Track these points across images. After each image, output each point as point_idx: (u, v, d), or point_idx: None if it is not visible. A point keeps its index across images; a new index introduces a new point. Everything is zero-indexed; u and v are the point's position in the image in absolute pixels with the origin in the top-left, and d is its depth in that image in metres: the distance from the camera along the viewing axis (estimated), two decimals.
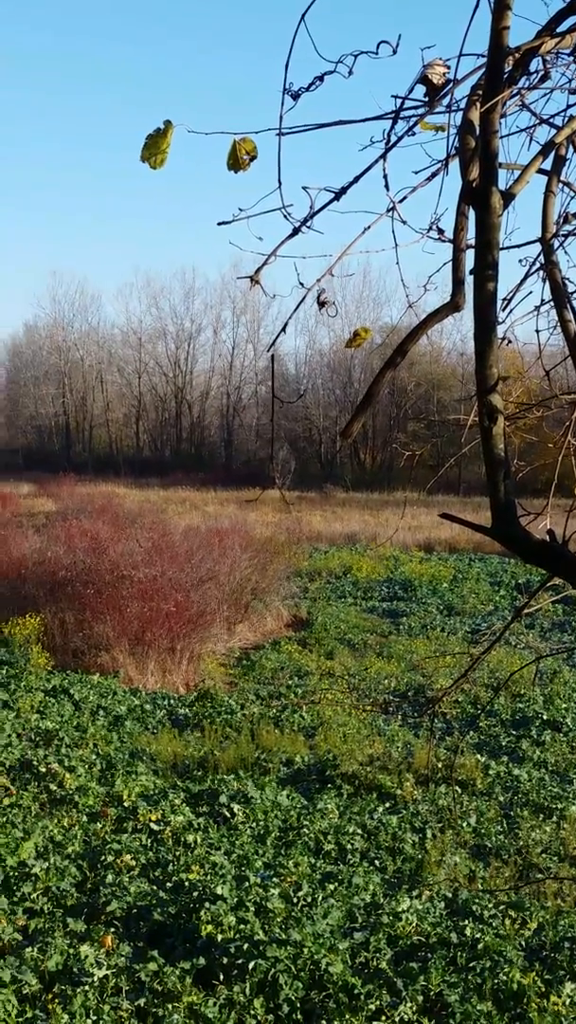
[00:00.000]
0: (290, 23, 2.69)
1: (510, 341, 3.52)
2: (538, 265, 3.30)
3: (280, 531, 42.15)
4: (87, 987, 8.97)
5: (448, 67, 2.88)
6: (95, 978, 9.07)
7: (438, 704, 17.64)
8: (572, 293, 3.10)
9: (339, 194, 2.75)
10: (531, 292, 3.44)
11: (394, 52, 2.66)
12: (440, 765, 16.73)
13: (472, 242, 2.67)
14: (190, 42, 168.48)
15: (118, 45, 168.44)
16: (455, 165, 2.84)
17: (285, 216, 2.71)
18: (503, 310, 3.28)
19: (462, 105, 2.87)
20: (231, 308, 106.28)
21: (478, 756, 17.20)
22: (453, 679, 22.23)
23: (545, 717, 19.76)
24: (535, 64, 2.94)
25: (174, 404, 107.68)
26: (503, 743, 18.52)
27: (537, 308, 3.47)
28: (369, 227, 2.75)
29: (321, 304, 2.82)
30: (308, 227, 2.73)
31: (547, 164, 3.08)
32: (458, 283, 2.65)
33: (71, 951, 9.47)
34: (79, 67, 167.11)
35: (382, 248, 3.00)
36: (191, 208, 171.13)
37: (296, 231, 2.73)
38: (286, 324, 2.90)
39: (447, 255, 2.88)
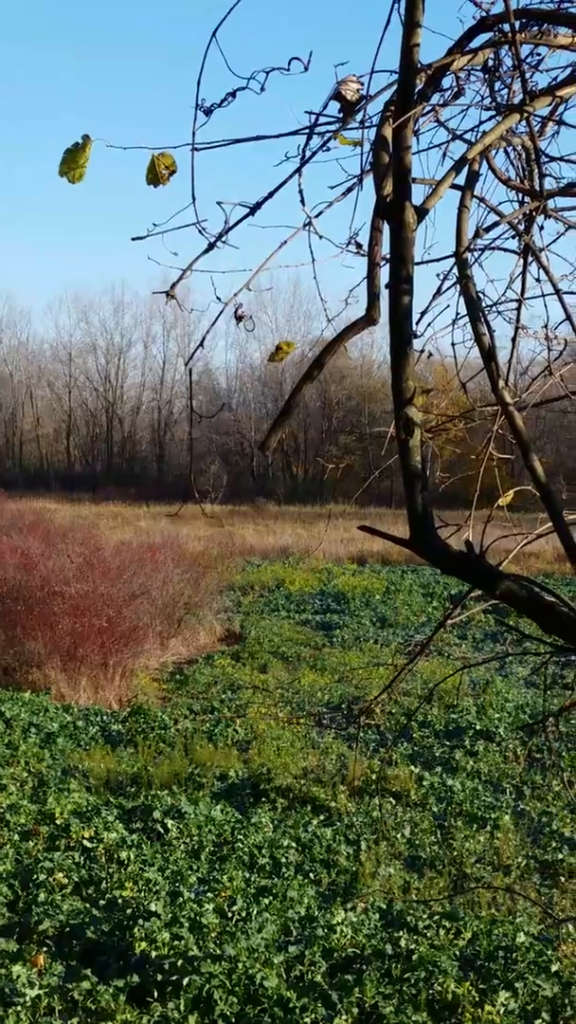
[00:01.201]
0: (203, 39, 2.71)
1: (431, 354, 3.55)
2: (453, 280, 3.34)
3: (213, 545, 42.09)
4: (19, 1007, 8.87)
5: (362, 84, 2.90)
6: (27, 998, 8.98)
7: (369, 715, 17.67)
8: (486, 307, 3.14)
9: (253, 209, 2.76)
10: (448, 306, 3.48)
11: (306, 68, 2.68)
12: (374, 777, 16.75)
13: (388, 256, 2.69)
14: (113, 55, 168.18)
15: (40, 56, 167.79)
16: (369, 180, 2.87)
17: (200, 231, 2.72)
18: (419, 323, 3.31)
19: (376, 121, 2.90)
20: (161, 322, 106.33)
21: (412, 767, 17.23)
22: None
23: (478, 727, 19.85)
24: (449, 81, 2.97)
25: (105, 419, 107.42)
26: (437, 754, 18.59)
27: (453, 322, 3.50)
28: (285, 242, 2.77)
29: (239, 319, 2.83)
30: (224, 242, 2.74)
31: (461, 179, 3.11)
32: (373, 297, 2.67)
33: (2, 971, 9.36)
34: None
35: (302, 263, 3.02)
36: (118, 221, 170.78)
37: (211, 246, 2.74)
38: (203, 340, 2.93)
39: (366, 269, 2.90)
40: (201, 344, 2.99)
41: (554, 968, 10.14)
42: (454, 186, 3.03)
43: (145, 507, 70.93)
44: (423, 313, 3.46)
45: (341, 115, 2.89)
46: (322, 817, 15.12)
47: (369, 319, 2.66)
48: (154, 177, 2.89)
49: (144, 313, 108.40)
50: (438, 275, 3.35)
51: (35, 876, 11.86)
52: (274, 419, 2.67)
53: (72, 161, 2.94)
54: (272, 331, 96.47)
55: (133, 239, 2.76)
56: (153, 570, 29.14)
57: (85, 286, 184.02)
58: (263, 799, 15.81)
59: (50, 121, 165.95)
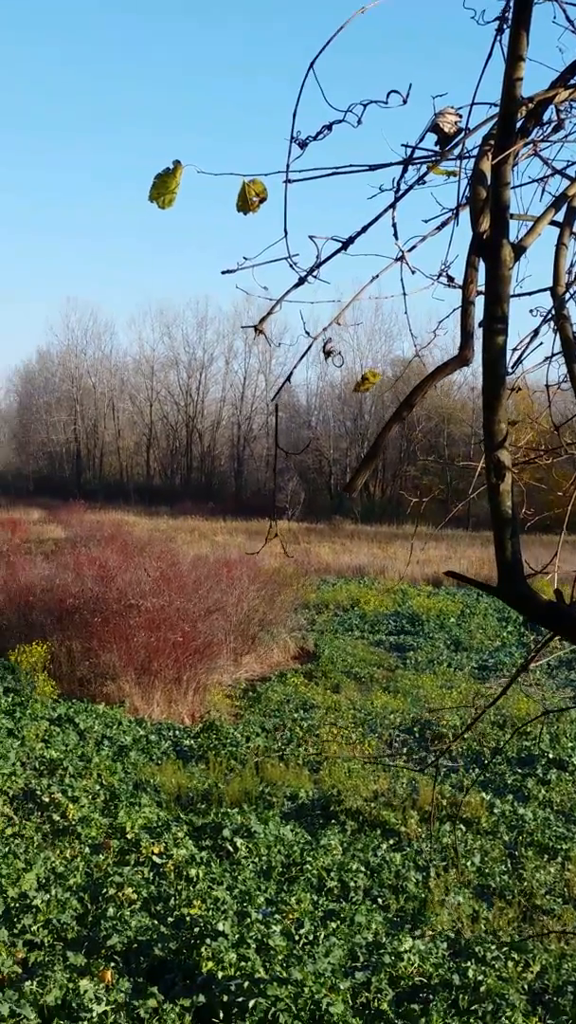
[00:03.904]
0: (300, 69, 2.69)
1: (519, 389, 3.49)
2: (548, 316, 3.28)
3: (288, 562, 42.10)
4: (86, 1023, 8.89)
5: (460, 115, 2.87)
6: (94, 1014, 8.99)
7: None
8: None
9: (346, 244, 2.74)
10: (541, 343, 3.43)
11: (404, 102, 2.65)
12: (445, 803, 16.61)
13: (482, 292, 2.65)
14: (205, 84, 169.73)
15: (137, 85, 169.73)
16: (465, 213, 2.84)
17: (291, 266, 2.70)
18: (513, 365, 3.25)
19: (474, 154, 2.86)
20: (243, 338, 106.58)
21: (483, 794, 17.07)
22: (459, 715, 22.15)
23: (551, 756, 19.64)
24: (548, 113, 2.93)
25: (185, 433, 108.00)
26: (508, 781, 18.41)
27: (548, 359, 3.44)
28: (377, 276, 2.75)
29: (327, 354, 2.81)
30: (315, 276, 2.72)
31: (560, 216, 3.06)
32: (467, 336, 2.63)
33: (70, 985, 9.38)
34: (95, 99, 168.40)
35: (391, 295, 2.99)
36: (204, 237, 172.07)
37: (302, 280, 2.71)
38: (290, 375, 2.88)
39: (456, 300, 2.87)
40: (288, 379, 2.95)
41: None
42: (553, 223, 2.98)
43: (222, 522, 71.17)
44: (516, 351, 3.41)
45: (437, 147, 2.86)
46: (392, 841, 15.01)
47: (462, 359, 2.62)
48: (244, 204, 2.88)
49: (227, 328, 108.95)
50: (531, 311, 3.30)
51: (105, 890, 11.90)
52: (361, 461, 2.63)
53: (163, 187, 2.93)
54: (353, 349, 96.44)
55: (223, 272, 2.75)
56: (229, 586, 29.19)
57: (168, 300, 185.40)
58: (333, 821, 15.74)
59: (126, 136, 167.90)
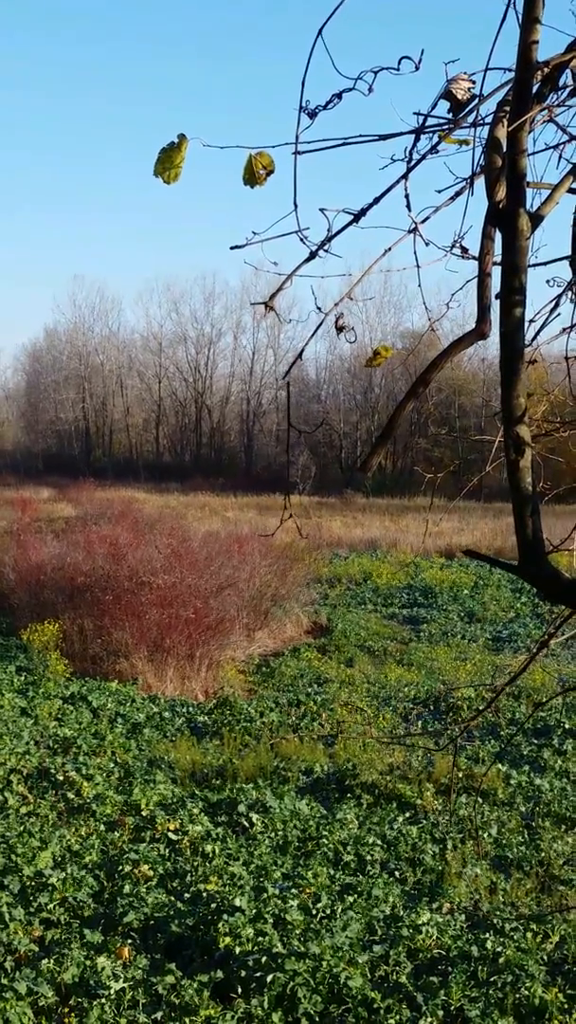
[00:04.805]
0: (307, 36, 2.62)
1: (536, 361, 3.41)
2: (568, 287, 3.21)
3: (300, 537, 41.96)
4: (104, 1000, 8.91)
5: (473, 82, 2.80)
6: (112, 991, 9.01)
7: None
8: None
9: (357, 216, 2.67)
10: (559, 314, 3.35)
11: (416, 68, 2.58)
12: (461, 775, 16.60)
13: (499, 264, 2.59)
14: (210, 55, 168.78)
15: (140, 57, 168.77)
16: (480, 183, 2.77)
17: (302, 240, 2.63)
18: (531, 337, 3.18)
19: (488, 122, 2.79)
20: (251, 313, 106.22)
21: (499, 766, 17.06)
22: (474, 686, 22.11)
23: (567, 726, 19.62)
24: (564, 78, 2.85)
25: (194, 409, 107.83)
26: (524, 752, 18.39)
27: (567, 330, 3.35)
28: (390, 249, 2.69)
29: (339, 329, 2.75)
30: (326, 251, 2.66)
31: None
32: (484, 309, 2.57)
33: (88, 963, 9.41)
34: (100, 75, 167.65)
35: (402, 267, 2.93)
36: (210, 212, 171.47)
37: (313, 255, 2.65)
38: (301, 352, 2.82)
39: (470, 271, 2.80)
40: (300, 356, 2.89)
41: None
42: (571, 190, 2.91)
43: (233, 497, 71.10)
44: (534, 323, 3.33)
45: (450, 115, 2.79)
46: (408, 814, 14.99)
47: (479, 332, 2.56)
48: (251, 177, 2.81)
49: (235, 303, 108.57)
50: (548, 282, 3.23)
51: (121, 867, 11.92)
52: (375, 440, 2.58)
53: (168, 161, 2.87)
54: (363, 322, 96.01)
55: (232, 248, 2.69)
56: (240, 561, 29.17)
57: (175, 276, 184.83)
58: (348, 795, 15.73)
59: (133, 107, 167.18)
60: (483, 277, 2.61)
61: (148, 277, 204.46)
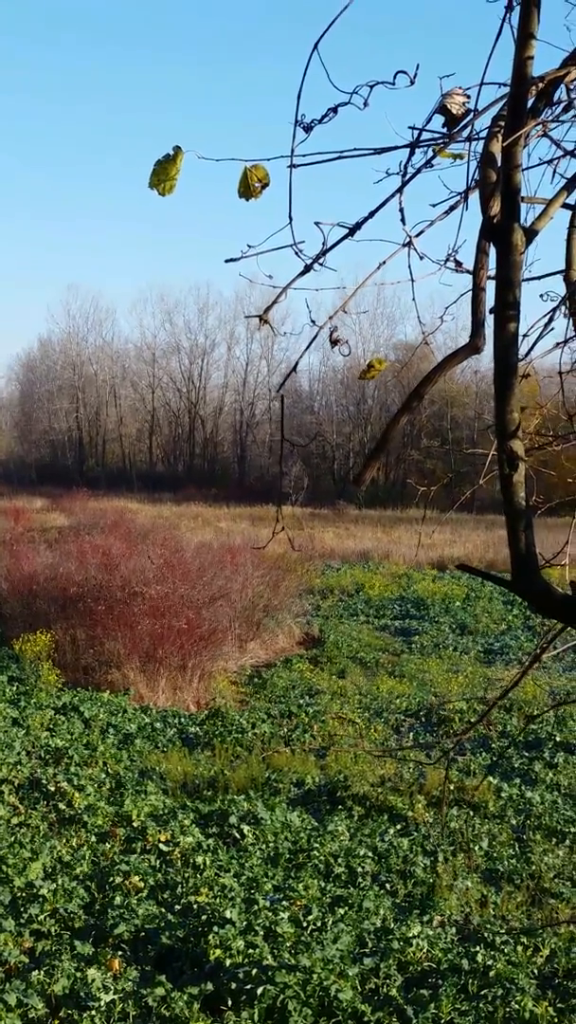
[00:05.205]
0: (307, 45, 2.62)
1: (528, 375, 3.42)
2: (562, 301, 3.21)
3: (292, 549, 41.98)
4: (94, 1012, 8.88)
5: (468, 96, 2.80)
6: (102, 1003, 8.99)
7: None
8: None
9: (353, 230, 2.67)
10: (552, 328, 3.35)
11: (412, 82, 2.59)
12: (452, 787, 16.57)
13: (493, 278, 2.59)
14: (209, 64, 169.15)
15: (139, 65, 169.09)
16: (474, 197, 2.77)
17: (296, 253, 2.63)
18: (524, 351, 3.18)
19: (482, 136, 2.80)
20: (245, 324, 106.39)
21: (490, 778, 17.04)
22: (466, 699, 22.10)
23: (558, 739, 19.61)
24: (559, 93, 2.86)
25: (187, 419, 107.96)
26: (515, 765, 18.37)
27: (560, 345, 3.36)
28: (384, 262, 2.69)
29: (334, 343, 2.75)
30: (321, 264, 2.66)
31: (572, 198, 2.99)
32: (478, 324, 2.57)
33: (78, 975, 9.38)
34: (97, 82, 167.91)
35: (396, 281, 2.93)
36: (205, 223, 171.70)
37: (308, 268, 2.65)
38: (295, 365, 2.83)
39: (464, 284, 2.81)
40: (294, 369, 2.90)
41: None
42: (565, 205, 2.92)
43: (225, 508, 71.19)
44: (527, 337, 3.33)
45: (445, 129, 2.80)
46: (399, 826, 14.96)
47: (473, 347, 2.56)
48: (246, 190, 2.82)
49: (228, 314, 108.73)
50: (542, 296, 3.23)
51: (111, 879, 11.90)
52: (369, 453, 2.58)
53: (163, 173, 2.88)
54: (356, 334, 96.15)
55: (227, 261, 2.69)
56: (233, 572, 29.14)
57: (169, 286, 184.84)
58: (339, 806, 15.70)
59: (130, 115, 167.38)
60: (477, 291, 2.62)
61: (142, 287, 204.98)
